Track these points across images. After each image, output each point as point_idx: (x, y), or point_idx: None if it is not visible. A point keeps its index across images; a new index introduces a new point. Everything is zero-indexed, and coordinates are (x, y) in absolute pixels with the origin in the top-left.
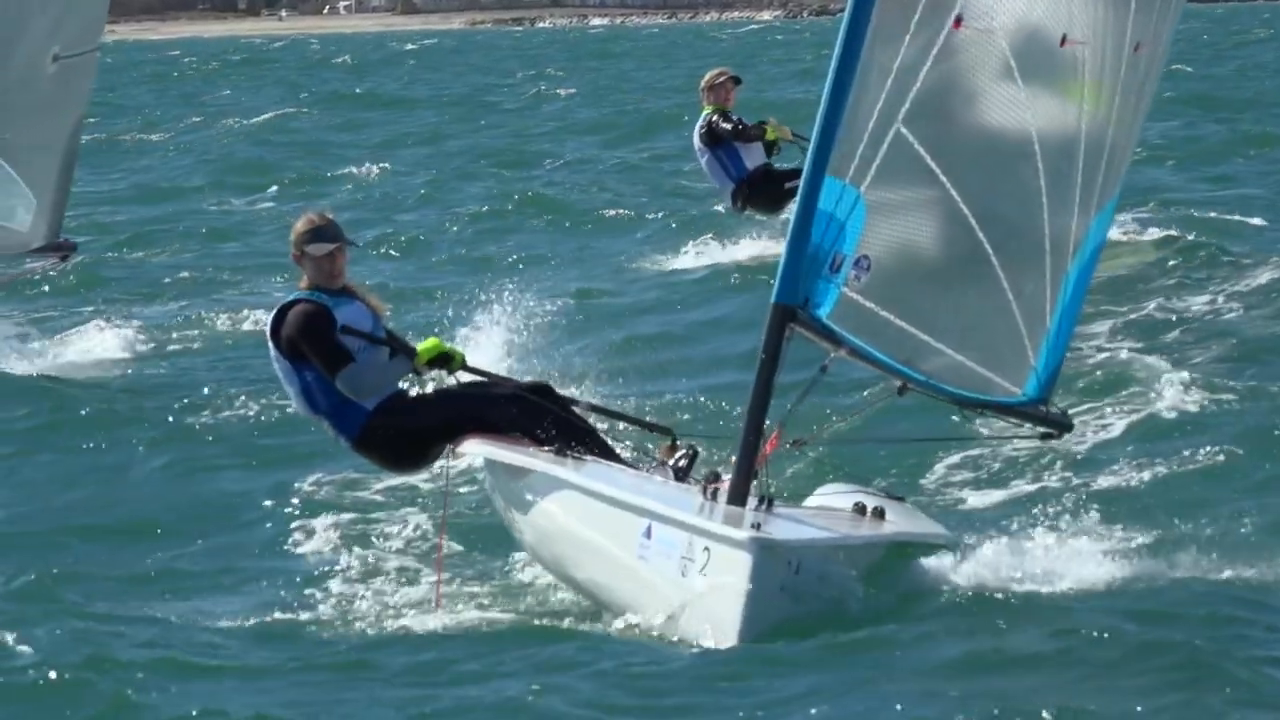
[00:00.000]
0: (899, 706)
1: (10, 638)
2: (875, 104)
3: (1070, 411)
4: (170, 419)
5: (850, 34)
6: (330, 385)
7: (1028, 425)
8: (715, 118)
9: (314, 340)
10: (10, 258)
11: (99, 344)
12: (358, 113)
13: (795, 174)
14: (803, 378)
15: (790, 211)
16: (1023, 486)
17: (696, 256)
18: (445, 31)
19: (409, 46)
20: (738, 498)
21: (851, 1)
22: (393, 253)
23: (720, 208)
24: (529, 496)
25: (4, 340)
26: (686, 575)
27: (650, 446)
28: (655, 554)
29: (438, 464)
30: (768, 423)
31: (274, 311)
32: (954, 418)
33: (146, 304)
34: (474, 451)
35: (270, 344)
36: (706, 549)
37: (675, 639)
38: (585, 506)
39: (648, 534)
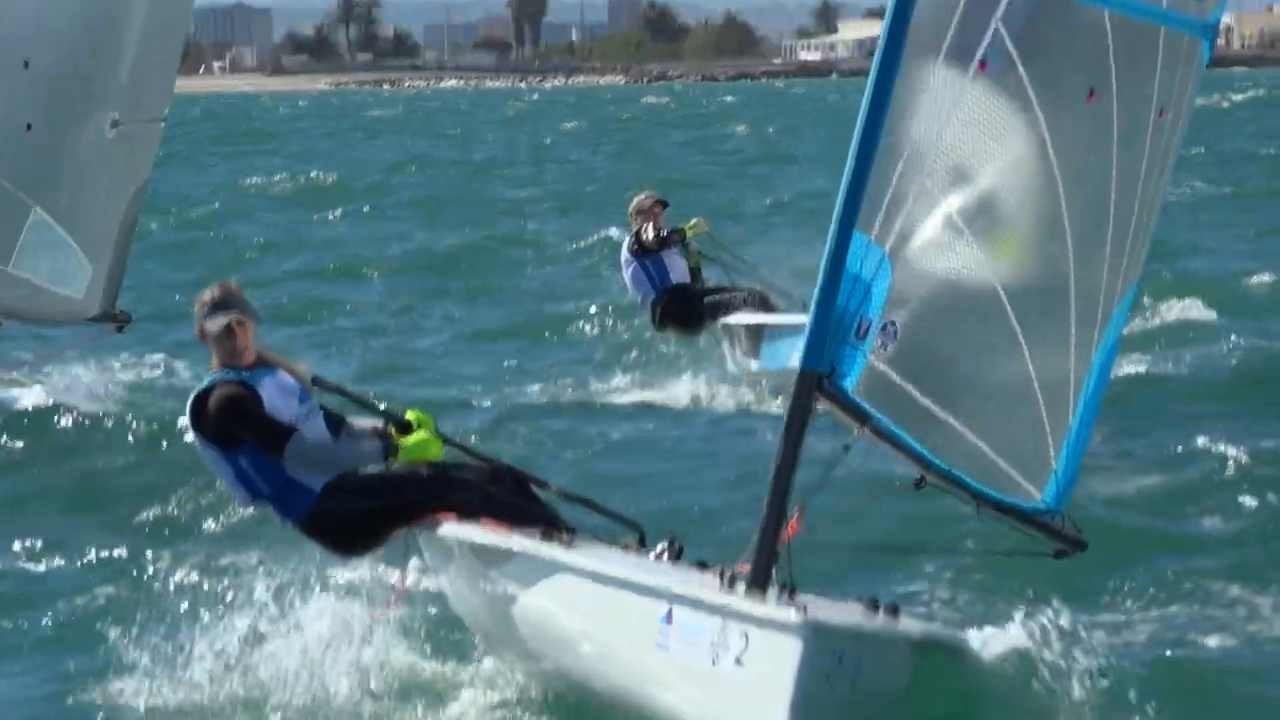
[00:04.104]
0: None
1: None
2: (901, 153)
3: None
4: None
5: (880, 79)
6: (269, 466)
7: (1042, 540)
8: (643, 229)
9: (245, 421)
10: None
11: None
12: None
13: (714, 291)
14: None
15: (714, 329)
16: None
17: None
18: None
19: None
20: (758, 582)
21: (881, 47)
22: None
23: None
24: (512, 585)
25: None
26: (718, 664)
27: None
28: (679, 641)
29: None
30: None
31: (190, 400)
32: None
33: None
34: (446, 534)
35: (194, 435)
36: (745, 635)
37: None
38: (586, 592)
39: (668, 618)
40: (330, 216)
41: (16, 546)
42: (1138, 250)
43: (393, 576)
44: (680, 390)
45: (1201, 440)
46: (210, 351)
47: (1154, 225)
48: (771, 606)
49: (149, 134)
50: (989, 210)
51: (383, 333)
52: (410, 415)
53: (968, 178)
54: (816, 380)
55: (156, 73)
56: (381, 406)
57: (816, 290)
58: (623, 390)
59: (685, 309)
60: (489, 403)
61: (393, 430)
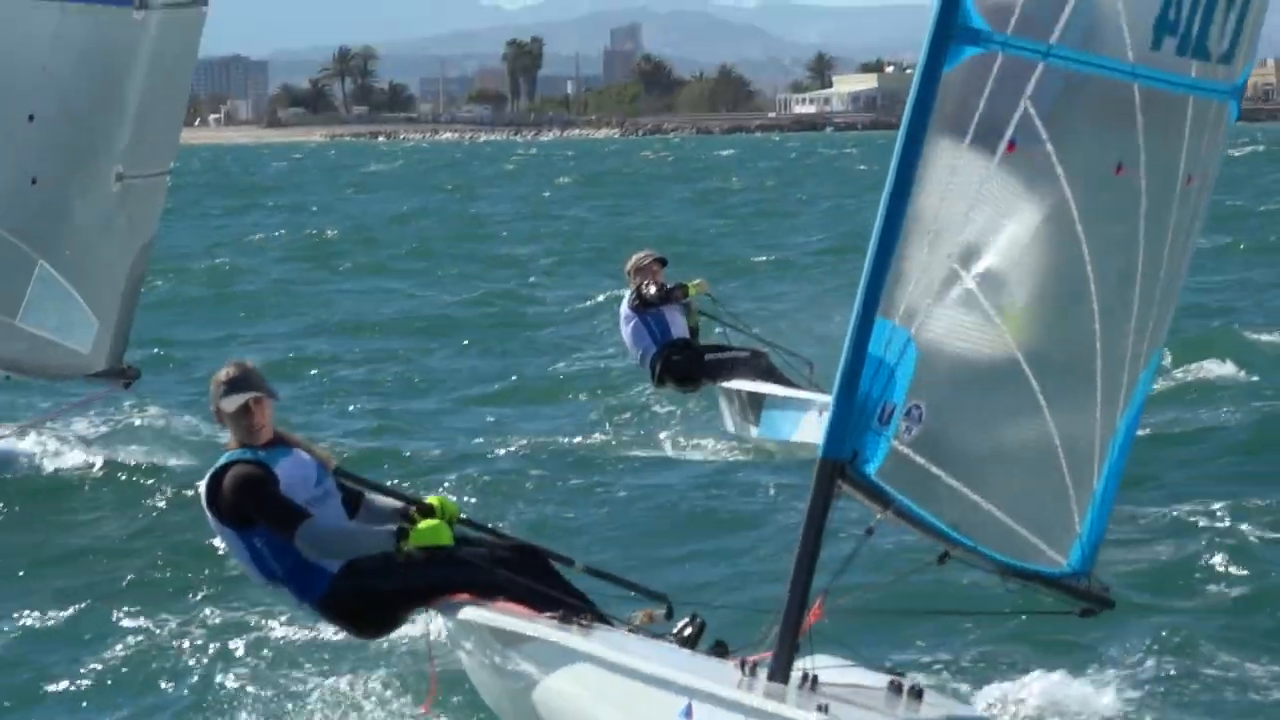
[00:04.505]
0: None
1: None
2: (926, 234)
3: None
4: None
5: (903, 161)
6: (284, 548)
7: (1068, 600)
8: (644, 285)
9: (259, 501)
10: (71, 382)
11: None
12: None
13: (714, 348)
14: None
15: (712, 388)
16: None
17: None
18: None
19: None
20: (780, 673)
21: (904, 129)
22: None
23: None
24: (531, 669)
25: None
26: None
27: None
28: None
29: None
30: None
31: (207, 479)
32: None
33: None
34: (465, 617)
35: (209, 514)
36: None
37: None
38: (606, 681)
39: (687, 713)
40: (329, 272)
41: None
42: (1164, 316)
43: (422, 655)
44: (676, 449)
45: (1207, 501)
46: (227, 430)
47: (1179, 289)
48: (791, 707)
49: (154, 187)
50: (1015, 288)
51: (381, 390)
52: (433, 500)
53: (994, 257)
54: (839, 468)
55: (160, 125)
56: (406, 492)
57: (838, 376)
58: (618, 448)
59: (685, 365)
60: (486, 461)
61: (414, 512)
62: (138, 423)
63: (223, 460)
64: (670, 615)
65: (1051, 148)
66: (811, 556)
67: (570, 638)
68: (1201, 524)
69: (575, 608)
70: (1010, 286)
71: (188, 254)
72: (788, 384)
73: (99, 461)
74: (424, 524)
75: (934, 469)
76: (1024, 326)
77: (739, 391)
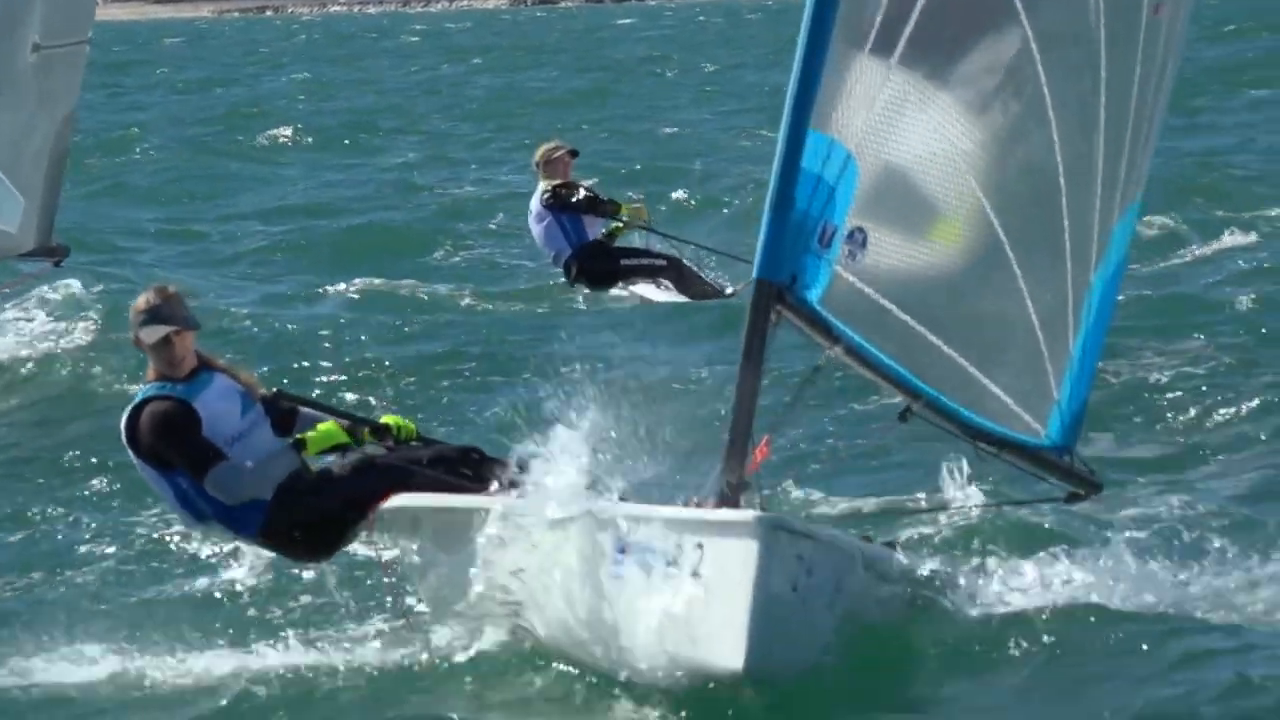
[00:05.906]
0: None
1: None
2: (865, 39)
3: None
4: None
5: None
6: None
7: (1051, 480)
8: (561, 187)
9: (175, 443)
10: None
11: None
12: None
13: (632, 253)
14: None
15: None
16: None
17: None
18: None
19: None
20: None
21: None
22: None
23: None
24: (464, 543)
25: None
26: (675, 581)
27: None
28: (632, 567)
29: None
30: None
31: (126, 414)
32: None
33: None
34: (394, 505)
35: (130, 451)
36: (700, 545)
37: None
38: (537, 535)
39: (622, 546)
40: (238, 156)
41: None
42: (1137, 163)
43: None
44: (605, 328)
45: (1203, 375)
46: (147, 359)
47: (1156, 138)
48: (725, 511)
49: (72, 56)
50: (962, 104)
51: (280, 270)
52: (387, 420)
53: (938, 70)
54: (776, 292)
55: None
56: (358, 414)
57: (770, 190)
58: (540, 327)
59: (600, 266)
60: (402, 354)
61: (366, 433)
62: (61, 301)
63: (140, 395)
64: None
65: None
66: (752, 388)
67: (495, 501)
68: (1191, 399)
69: (512, 487)
70: (956, 102)
71: (94, 134)
72: (705, 286)
73: (30, 344)
74: (316, 431)
75: (884, 301)
76: (974, 147)
77: (653, 302)
